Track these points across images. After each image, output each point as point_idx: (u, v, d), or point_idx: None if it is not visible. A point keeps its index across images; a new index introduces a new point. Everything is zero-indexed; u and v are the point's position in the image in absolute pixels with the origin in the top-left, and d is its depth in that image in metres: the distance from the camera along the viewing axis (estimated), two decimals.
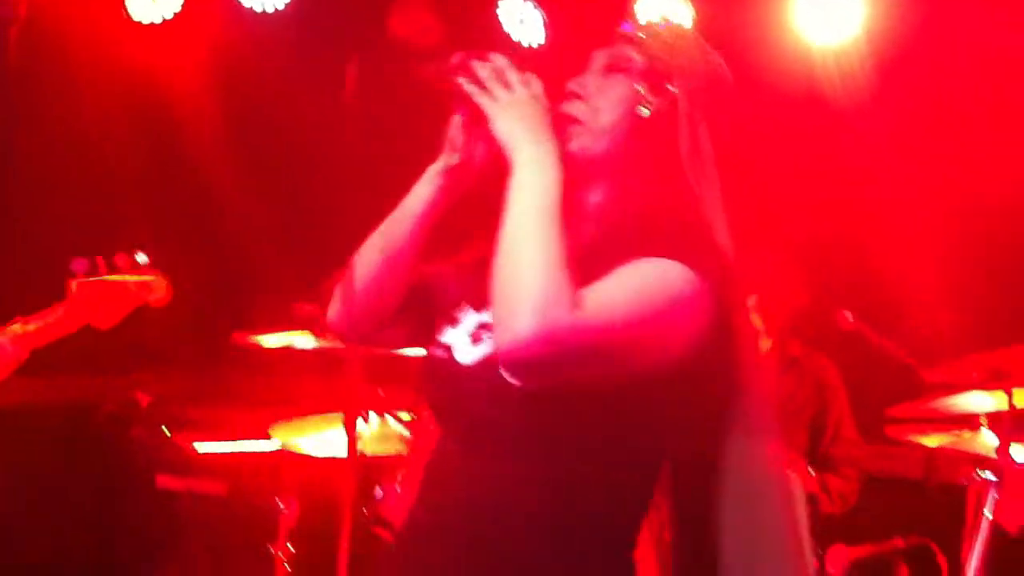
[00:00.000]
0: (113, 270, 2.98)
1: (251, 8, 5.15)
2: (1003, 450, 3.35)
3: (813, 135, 5.18)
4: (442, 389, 1.94)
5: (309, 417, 3.76)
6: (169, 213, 5.40)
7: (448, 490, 1.90)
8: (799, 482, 3.70)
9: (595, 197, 1.95)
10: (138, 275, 3.03)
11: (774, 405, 1.94)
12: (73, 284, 2.94)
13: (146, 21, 5.10)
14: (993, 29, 4.65)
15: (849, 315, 4.23)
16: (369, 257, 2.01)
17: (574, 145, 1.91)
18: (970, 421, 3.59)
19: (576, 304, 1.70)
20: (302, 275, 2.64)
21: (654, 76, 1.93)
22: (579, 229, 1.87)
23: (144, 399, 4.36)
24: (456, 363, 1.90)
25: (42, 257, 3.66)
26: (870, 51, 4.90)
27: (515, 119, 1.86)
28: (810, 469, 3.83)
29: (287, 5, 5.17)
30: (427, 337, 1.99)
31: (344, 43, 5.13)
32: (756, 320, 4.07)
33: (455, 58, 1.91)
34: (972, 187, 4.81)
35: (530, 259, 1.73)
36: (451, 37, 5.05)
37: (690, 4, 5.08)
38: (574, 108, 1.94)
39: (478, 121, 1.92)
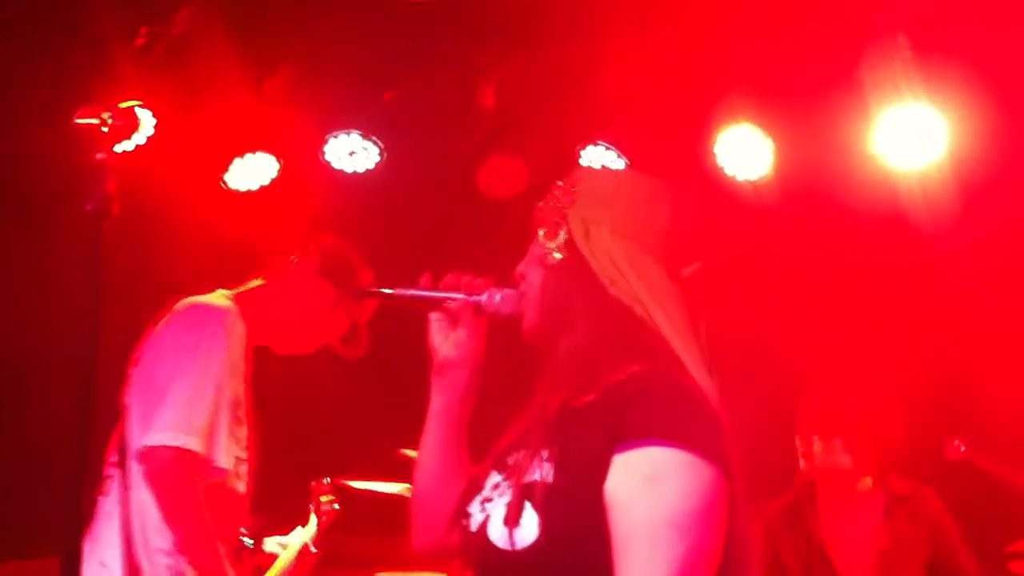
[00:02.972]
0: None
1: (341, 170, 5.28)
2: None
3: (899, 260, 5.15)
4: (467, 557, 1.97)
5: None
6: None
7: None
8: None
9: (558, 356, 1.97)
10: None
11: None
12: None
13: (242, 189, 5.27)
14: None
15: (960, 444, 4.12)
16: (421, 478, 2.14)
17: (525, 324, 2.01)
18: None
19: None
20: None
21: (549, 222, 1.98)
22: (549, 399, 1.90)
23: None
24: (470, 531, 1.94)
25: None
26: (954, 174, 4.87)
27: None
28: None
29: (376, 164, 5.30)
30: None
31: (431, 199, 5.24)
32: (846, 459, 3.83)
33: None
34: None
35: None
36: (537, 186, 5.12)
37: (768, 137, 5.10)
38: (523, 288, 2.04)
39: (450, 322, 2.09)
